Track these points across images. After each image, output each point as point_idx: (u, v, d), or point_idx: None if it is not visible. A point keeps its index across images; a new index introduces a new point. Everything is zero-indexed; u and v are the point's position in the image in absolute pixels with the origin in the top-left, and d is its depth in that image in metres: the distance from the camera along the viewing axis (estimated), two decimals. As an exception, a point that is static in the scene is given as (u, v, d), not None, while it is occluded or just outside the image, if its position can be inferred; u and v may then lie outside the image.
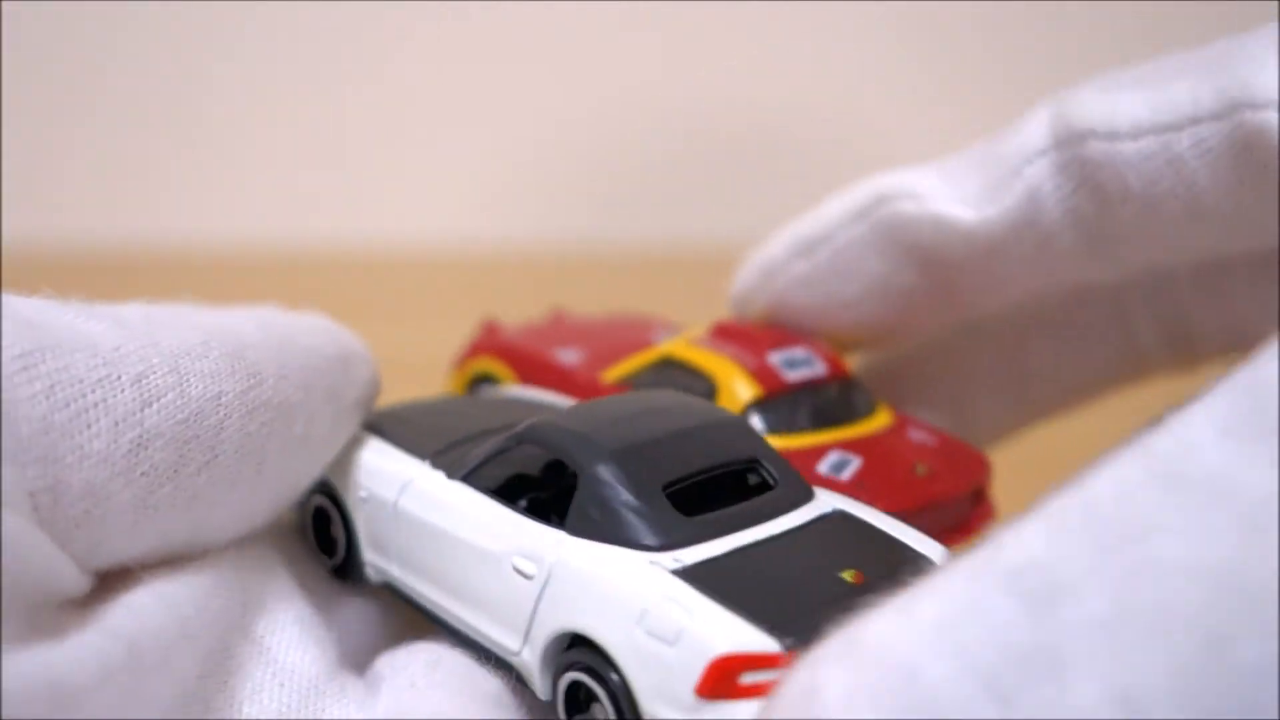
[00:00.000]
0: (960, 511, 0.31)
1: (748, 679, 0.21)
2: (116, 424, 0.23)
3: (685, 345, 0.33)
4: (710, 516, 0.24)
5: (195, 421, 0.24)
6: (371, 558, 0.29)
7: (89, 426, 0.22)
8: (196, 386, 0.24)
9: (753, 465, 0.26)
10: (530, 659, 0.25)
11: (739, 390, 0.31)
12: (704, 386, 0.31)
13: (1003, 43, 0.78)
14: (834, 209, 0.34)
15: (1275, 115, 0.26)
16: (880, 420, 0.32)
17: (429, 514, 0.27)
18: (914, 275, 0.33)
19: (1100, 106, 0.28)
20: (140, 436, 0.23)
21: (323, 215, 0.76)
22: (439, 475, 0.28)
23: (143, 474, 0.23)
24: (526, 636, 0.25)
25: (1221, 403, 0.19)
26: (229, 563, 0.26)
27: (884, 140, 0.77)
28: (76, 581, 0.23)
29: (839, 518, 0.26)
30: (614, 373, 0.33)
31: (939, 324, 0.35)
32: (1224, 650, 0.17)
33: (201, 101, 0.74)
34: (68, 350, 0.23)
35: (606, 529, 0.24)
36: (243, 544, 0.27)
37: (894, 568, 0.23)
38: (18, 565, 0.20)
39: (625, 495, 0.24)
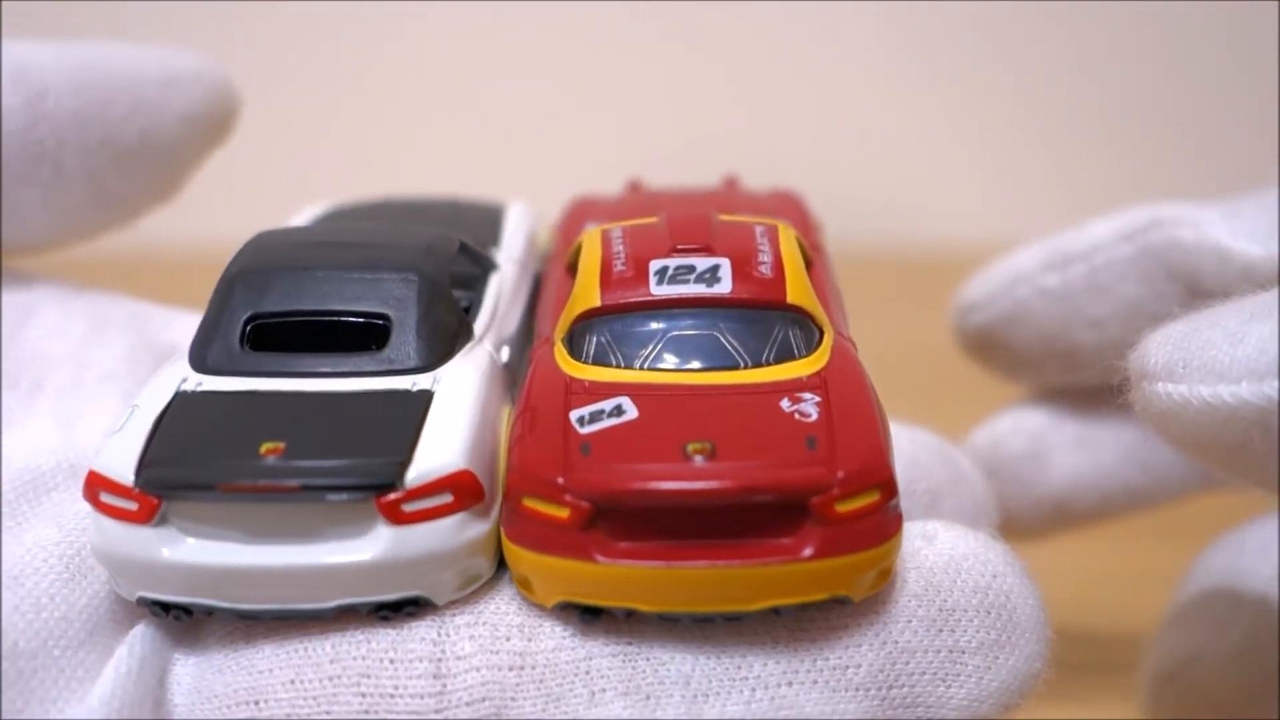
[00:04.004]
0: (771, 521, 0.22)
1: (106, 499, 0.23)
2: None
3: (597, 233, 0.28)
4: (275, 356, 0.25)
5: None
6: None
7: None
8: None
9: (379, 320, 0.25)
10: None
11: (584, 297, 0.26)
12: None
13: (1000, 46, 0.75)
14: (1100, 227, 0.33)
15: None
16: (775, 373, 0.24)
17: None
18: (1174, 305, 0.31)
19: None
20: None
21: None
22: None
23: None
24: None
25: None
26: None
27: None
28: None
29: (411, 396, 0.24)
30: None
31: None
32: None
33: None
34: None
35: (193, 339, 0.26)
36: None
37: (343, 455, 0.22)
38: None
39: (211, 314, 0.26)
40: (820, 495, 0.22)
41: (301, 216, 0.34)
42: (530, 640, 0.23)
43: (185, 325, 0.33)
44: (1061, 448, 0.37)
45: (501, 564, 0.24)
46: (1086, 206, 0.36)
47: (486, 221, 0.33)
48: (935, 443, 0.30)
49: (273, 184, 0.65)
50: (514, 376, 0.28)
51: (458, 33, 0.76)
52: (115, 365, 0.30)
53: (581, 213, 0.34)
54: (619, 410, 0.23)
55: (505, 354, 0.28)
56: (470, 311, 0.28)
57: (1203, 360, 0.24)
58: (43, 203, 0.31)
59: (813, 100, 0.77)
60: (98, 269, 0.35)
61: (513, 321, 0.29)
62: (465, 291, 0.28)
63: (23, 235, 0.32)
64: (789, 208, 0.33)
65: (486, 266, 0.30)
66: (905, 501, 0.23)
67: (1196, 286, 0.32)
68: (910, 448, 0.29)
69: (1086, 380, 0.35)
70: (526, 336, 0.30)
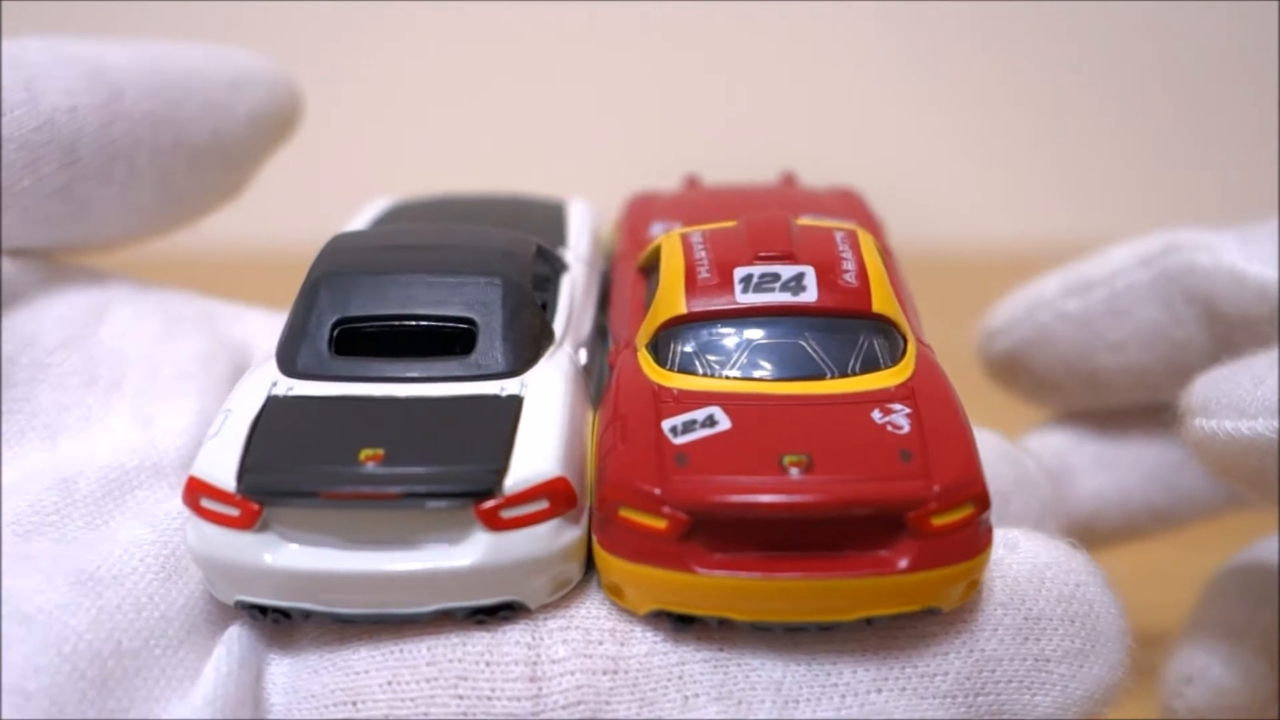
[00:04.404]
0: (863, 536, 0.22)
1: (206, 504, 0.23)
2: None
3: (676, 236, 0.28)
4: (363, 361, 0.25)
5: (48, 129, 0.29)
6: None
7: None
8: (49, 101, 0.29)
9: (466, 324, 0.26)
10: None
11: (668, 304, 0.26)
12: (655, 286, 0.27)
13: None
14: (1119, 253, 0.34)
15: None
16: (863, 383, 0.24)
17: None
18: (1192, 328, 0.33)
19: None
20: None
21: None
22: None
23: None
24: None
25: None
26: None
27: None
28: None
29: (501, 402, 0.24)
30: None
31: None
32: None
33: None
34: None
35: (279, 342, 0.26)
36: None
37: (441, 462, 0.23)
38: None
39: (297, 317, 0.26)
40: (917, 509, 0.22)
41: (363, 214, 0.34)
42: (623, 645, 0.23)
43: (251, 321, 0.33)
44: (1084, 469, 0.37)
45: (589, 568, 0.25)
46: (1090, 206, 0.36)
47: (550, 219, 0.33)
48: (1001, 444, 0.30)
49: (320, 182, 0.66)
50: (589, 378, 0.28)
51: (502, 31, 0.76)
52: (189, 364, 0.30)
53: (644, 210, 0.34)
54: (711, 420, 0.23)
55: (583, 356, 0.28)
56: (546, 313, 0.28)
57: (1231, 399, 0.27)
58: (117, 201, 0.32)
59: (824, 99, 0.77)
60: (128, 266, 0.35)
61: (586, 323, 0.29)
62: (538, 293, 0.28)
63: (97, 233, 0.32)
64: (851, 206, 0.33)
65: (558, 267, 0.30)
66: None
67: (1213, 309, 0.32)
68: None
69: (1108, 402, 0.37)
70: (598, 338, 0.30)
